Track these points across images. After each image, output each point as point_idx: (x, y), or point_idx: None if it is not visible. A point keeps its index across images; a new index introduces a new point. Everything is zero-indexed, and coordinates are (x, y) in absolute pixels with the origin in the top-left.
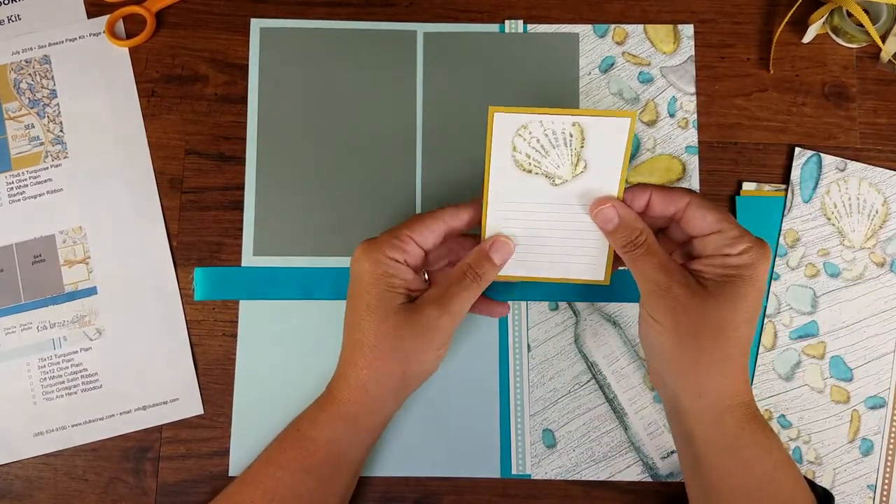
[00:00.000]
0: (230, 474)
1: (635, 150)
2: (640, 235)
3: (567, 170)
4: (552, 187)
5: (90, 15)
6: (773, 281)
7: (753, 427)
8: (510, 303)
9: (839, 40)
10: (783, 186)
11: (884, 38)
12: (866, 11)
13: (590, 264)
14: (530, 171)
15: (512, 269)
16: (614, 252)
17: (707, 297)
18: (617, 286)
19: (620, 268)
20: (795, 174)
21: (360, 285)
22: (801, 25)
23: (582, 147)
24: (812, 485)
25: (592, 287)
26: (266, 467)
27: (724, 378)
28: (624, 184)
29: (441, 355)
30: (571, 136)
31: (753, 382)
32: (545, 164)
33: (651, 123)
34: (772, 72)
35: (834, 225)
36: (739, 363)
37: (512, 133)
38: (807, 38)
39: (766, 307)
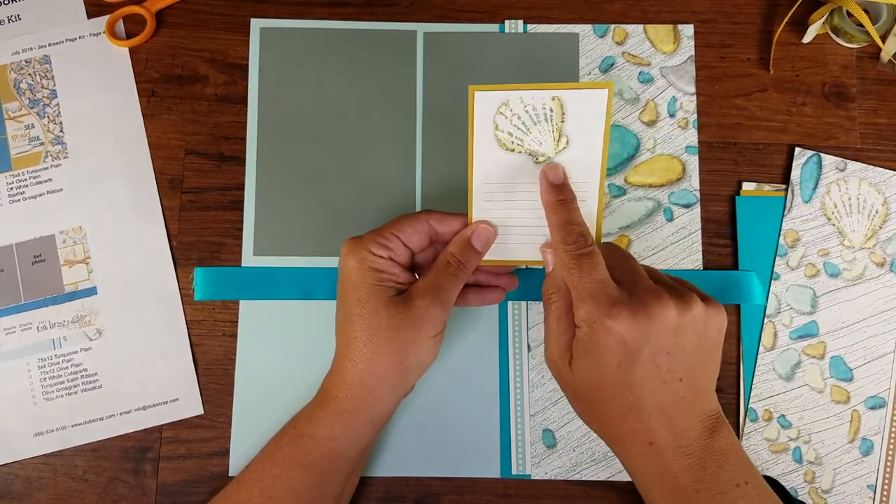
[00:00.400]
0: (230, 474)
1: (635, 149)
2: (558, 292)
3: (549, 146)
4: (536, 165)
5: (90, 15)
6: (773, 281)
7: (713, 468)
8: (510, 303)
9: (839, 40)
10: (783, 186)
11: (884, 38)
12: (866, 11)
13: None
14: (513, 150)
15: (499, 254)
16: (601, 228)
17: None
18: None
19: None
20: (795, 174)
21: (349, 282)
22: (801, 25)
23: (563, 122)
24: (787, 498)
25: None
26: (262, 465)
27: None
28: (606, 156)
29: (436, 344)
30: (552, 110)
31: (753, 382)
32: (528, 142)
33: (651, 123)
34: (772, 72)
35: (834, 225)
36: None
37: (493, 111)
38: (807, 38)
39: (765, 307)
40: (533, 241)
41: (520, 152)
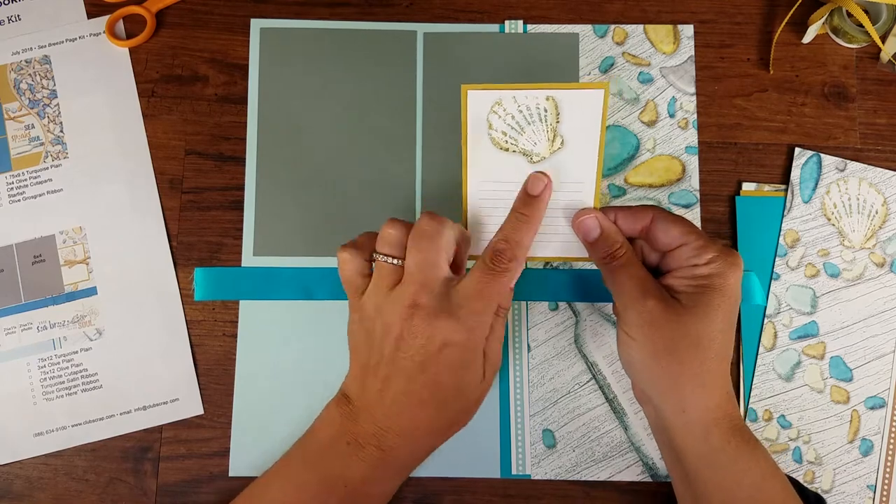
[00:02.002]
0: (230, 474)
1: (634, 150)
2: (620, 248)
3: (544, 146)
4: (531, 165)
5: (90, 15)
6: (772, 281)
7: (739, 440)
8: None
9: (839, 40)
10: (783, 187)
11: (884, 38)
12: (866, 11)
13: (574, 241)
14: (507, 150)
15: None
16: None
17: (680, 310)
18: None
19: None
20: (795, 174)
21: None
22: (801, 26)
23: (557, 122)
24: (803, 490)
25: (592, 287)
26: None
27: (706, 391)
28: (602, 157)
29: (489, 380)
30: (546, 110)
31: (753, 382)
32: (522, 142)
33: (651, 123)
34: (772, 72)
35: (834, 225)
36: (719, 375)
37: (486, 110)
38: (807, 39)
39: (765, 307)
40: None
41: (514, 152)
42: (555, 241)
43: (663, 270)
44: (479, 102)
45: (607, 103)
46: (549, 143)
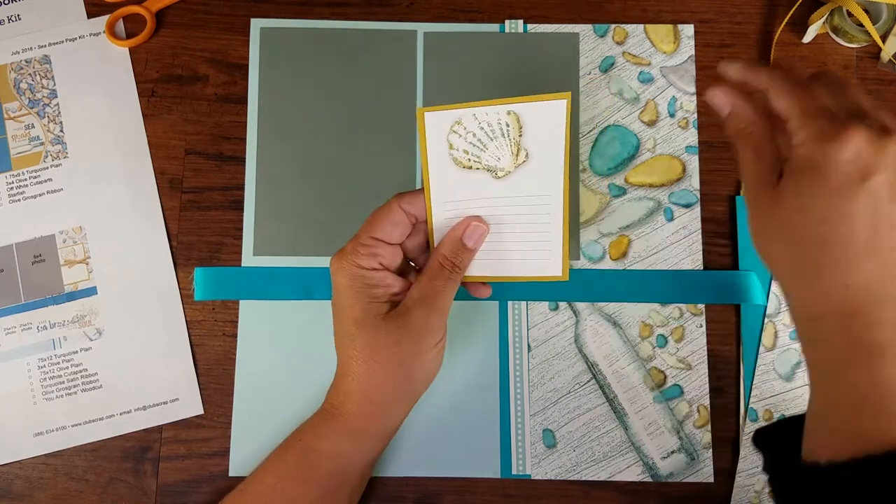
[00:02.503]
0: (230, 474)
1: (635, 149)
2: (750, 126)
3: (508, 160)
4: (496, 181)
5: (90, 15)
6: (773, 281)
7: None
8: (510, 303)
9: (839, 40)
10: None
11: (884, 38)
12: (866, 11)
13: (545, 259)
14: (471, 168)
15: (469, 270)
16: (569, 244)
17: (780, 196)
18: (619, 286)
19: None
20: None
21: (343, 300)
22: (801, 26)
23: (520, 136)
24: None
25: (593, 287)
26: (266, 477)
27: (815, 282)
28: (568, 168)
29: (439, 352)
30: (508, 125)
31: (753, 382)
32: (485, 158)
33: (651, 123)
34: None
35: None
36: (827, 266)
37: (446, 131)
38: (807, 38)
39: (766, 307)
40: (495, 256)
41: (478, 168)
42: (528, 259)
43: None
44: (437, 124)
45: (570, 112)
46: (514, 158)
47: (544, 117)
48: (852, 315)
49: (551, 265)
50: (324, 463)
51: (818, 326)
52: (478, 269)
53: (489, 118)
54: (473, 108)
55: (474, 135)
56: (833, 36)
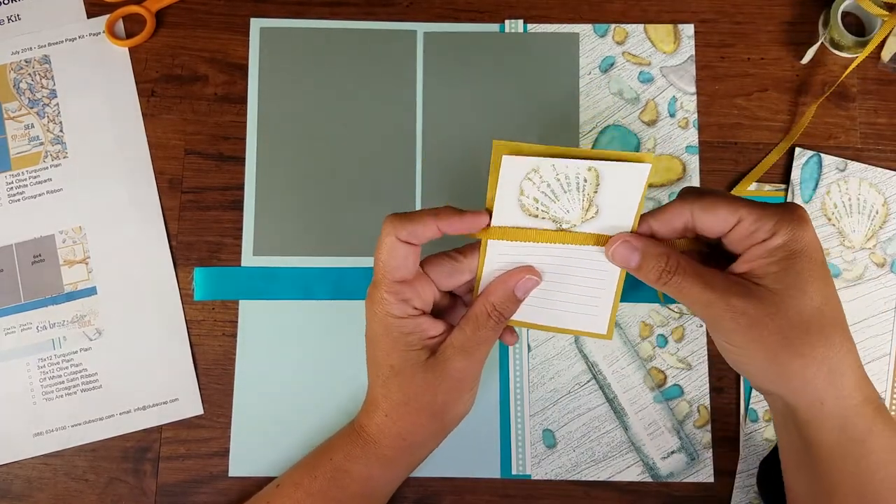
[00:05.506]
0: (230, 475)
1: (635, 149)
2: (669, 261)
3: (577, 215)
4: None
5: (90, 15)
6: None
7: (881, 426)
8: None
9: (842, 54)
10: (783, 186)
11: (883, 40)
12: (861, 21)
13: (593, 316)
14: (537, 216)
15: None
16: (618, 305)
17: (772, 297)
18: None
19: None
20: (795, 174)
21: (378, 346)
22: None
23: (595, 192)
24: None
25: None
26: (294, 491)
27: (838, 377)
28: (637, 227)
29: (474, 395)
30: (586, 181)
31: None
32: (553, 209)
33: (651, 123)
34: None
35: (834, 225)
36: (845, 351)
37: (520, 177)
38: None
39: None
40: (541, 304)
41: (543, 218)
42: (575, 313)
43: (732, 255)
44: (514, 168)
45: (651, 177)
46: (583, 213)
47: (624, 177)
48: (874, 396)
49: (597, 323)
50: (354, 485)
51: (858, 420)
52: (519, 313)
53: (568, 171)
54: (553, 158)
55: (549, 185)
56: (833, 50)
